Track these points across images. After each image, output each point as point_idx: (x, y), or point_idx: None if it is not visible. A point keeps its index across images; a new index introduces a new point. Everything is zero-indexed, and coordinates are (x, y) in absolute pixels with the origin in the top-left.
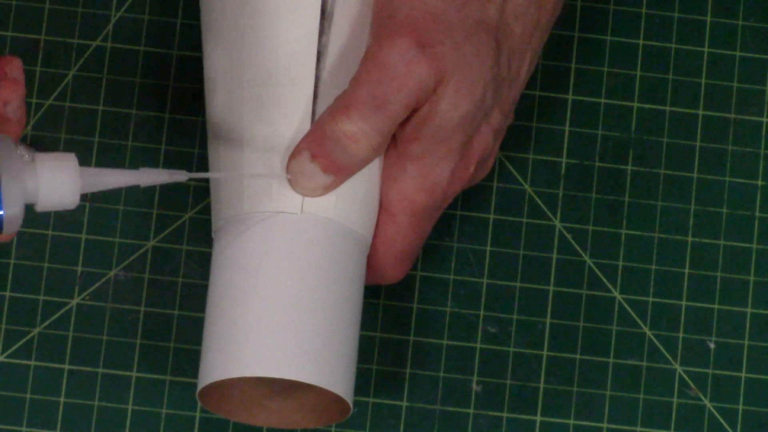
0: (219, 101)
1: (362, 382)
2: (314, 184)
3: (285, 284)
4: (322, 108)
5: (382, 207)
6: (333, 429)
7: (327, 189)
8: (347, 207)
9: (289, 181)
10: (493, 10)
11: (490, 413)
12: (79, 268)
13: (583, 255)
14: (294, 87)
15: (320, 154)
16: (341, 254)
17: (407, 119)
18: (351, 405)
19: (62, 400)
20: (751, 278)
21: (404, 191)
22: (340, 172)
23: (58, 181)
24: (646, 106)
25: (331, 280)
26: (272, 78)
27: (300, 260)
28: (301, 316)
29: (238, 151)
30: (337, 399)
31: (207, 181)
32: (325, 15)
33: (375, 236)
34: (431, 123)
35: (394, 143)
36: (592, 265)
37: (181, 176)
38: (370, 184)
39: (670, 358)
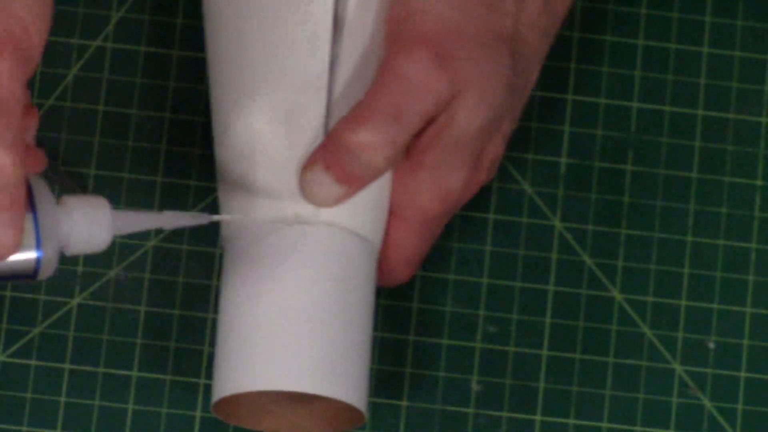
0: (229, 111)
1: None
2: (327, 195)
3: (299, 295)
4: (334, 118)
5: (394, 213)
6: None
7: (340, 200)
8: (359, 215)
9: (302, 191)
10: (510, 22)
11: (490, 413)
12: (80, 268)
13: (583, 255)
14: (306, 97)
15: (334, 164)
16: (354, 263)
17: (422, 129)
18: (365, 415)
19: (62, 400)
20: (751, 278)
21: (418, 199)
22: (353, 182)
23: (92, 227)
24: (646, 106)
25: (343, 289)
26: (284, 88)
27: (313, 270)
28: (315, 327)
29: (249, 163)
30: (350, 407)
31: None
32: (336, 25)
33: (385, 241)
34: (448, 133)
35: (406, 152)
36: (592, 265)
37: (203, 219)
38: (382, 192)
39: (670, 358)
